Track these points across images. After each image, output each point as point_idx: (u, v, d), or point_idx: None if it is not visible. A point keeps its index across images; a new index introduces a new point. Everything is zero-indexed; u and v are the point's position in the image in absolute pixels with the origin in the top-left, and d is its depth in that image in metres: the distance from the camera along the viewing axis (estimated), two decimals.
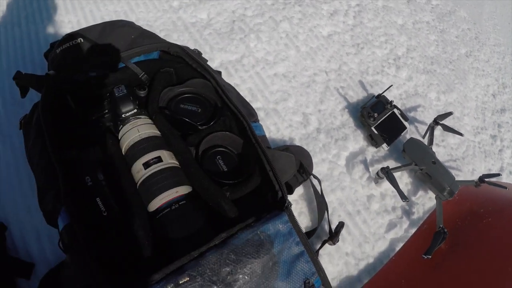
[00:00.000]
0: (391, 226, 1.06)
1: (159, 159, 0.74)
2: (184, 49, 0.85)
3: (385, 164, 1.11)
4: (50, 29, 1.19)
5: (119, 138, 0.78)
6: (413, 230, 1.07)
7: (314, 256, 0.73)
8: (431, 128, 1.17)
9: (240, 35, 1.15)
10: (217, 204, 0.72)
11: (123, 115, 0.78)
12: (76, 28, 1.22)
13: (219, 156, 0.81)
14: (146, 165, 0.73)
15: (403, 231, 1.07)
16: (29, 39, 1.16)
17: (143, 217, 0.69)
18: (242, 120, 0.78)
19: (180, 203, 0.71)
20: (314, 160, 1.02)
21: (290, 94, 1.09)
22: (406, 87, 1.26)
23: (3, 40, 1.17)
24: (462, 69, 1.41)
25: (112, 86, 0.82)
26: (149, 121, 0.80)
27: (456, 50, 1.48)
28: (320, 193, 0.90)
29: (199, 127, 0.78)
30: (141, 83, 0.85)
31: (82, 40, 0.85)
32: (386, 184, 1.08)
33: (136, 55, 0.84)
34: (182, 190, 0.73)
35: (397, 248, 1.04)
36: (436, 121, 1.17)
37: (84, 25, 1.20)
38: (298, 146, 0.97)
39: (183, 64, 0.85)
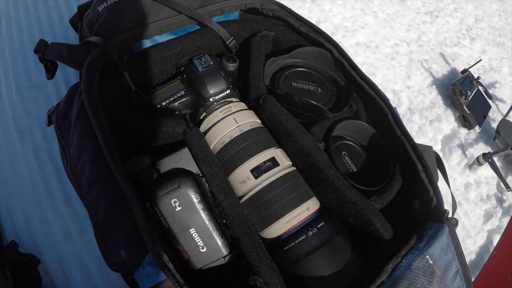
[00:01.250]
0: (487, 216, 0.80)
1: (274, 163, 0.43)
2: (284, 6, 0.51)
3: (477, 148, 0.84)
4: None
5: (203, 131, 0.45)
6: (506, 219, 0.82)
7: (467, 272, 0.45)
8: None
9: None
10: (365, 223, 0.42)
11: (211, 99, 0.46)
12: None
13: (344, 152, 0.50)
14: (257, 172, 0.42)
15: (498, 221, 0.81)
16: (46, 5, 0.78)
17: (266, 253, 0.38)
18: (382, 104, 0.47)
19: (318, 226, 0.41)
20: None
21: (376, 67, 0.78)
22: (482, 61, 0.98)
23: (12, 8, 0.79)
24: None
25: (188, 56, 0.49)
26: (244, 105, 0.47)
27: None
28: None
29: (329, 115, 0.46)
30: (228, 51, 0.51)
31: None
32: (480, 171, 0.81)
33: (218, 13, 0.50)
34: (313, 205, 0.43)
35: (495, 241, 0.79)
36: None
37: None
38: None
39: (283, 27, 0.52)
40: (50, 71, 0.51)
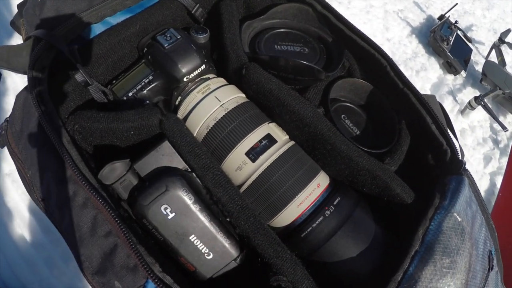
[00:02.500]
0: (487, 159, 0.76)
1: (271, 140, 0.36)
2: None
3: (465, 92, 0.80)
4: None
5: (182, 118, 0.38)
6: (504, 160, 0.79)
7: (490, 221, 0.41)
8: (496, 48, 0.86)
9: None
10: (383, 189, 0.36)
11: (185, 78, 0.38)
12: None
13: (343, 115, 0.43)
14: (254, 153, 0.35)
15: (498, 162, 0.78)
16: None
17: (284, 247, 0.32)
18: (378, 57, 0.40)
19: (335, 203, 0.34)
20: None
21: (353, 22, 0.71)
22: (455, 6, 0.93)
23: None
24: None
25: (150, 34, 0.40)
26: (223, 81, 0.40)
27: None
28: None
29: (323, 76, 0.38)
30: (195, 22, 0.43)
31: None
32: (473, 115, 0.78)
33: None
34: (323, 180, 0.36)
35: (498, 183, 0.76)
36: (501, 40, 0.85)
37: None
38: None
39: None
40: None
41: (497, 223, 0.72)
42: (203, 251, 0.32)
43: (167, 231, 0.31)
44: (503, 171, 0.76)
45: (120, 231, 0.28)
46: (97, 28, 0.40)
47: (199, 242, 0.31)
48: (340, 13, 0.42)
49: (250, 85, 0.37)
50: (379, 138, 0.42)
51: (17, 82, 0.60)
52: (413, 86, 0.41)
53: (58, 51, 0.37)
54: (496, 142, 0.80)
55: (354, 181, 0.37)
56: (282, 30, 0.42)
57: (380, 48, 0.41)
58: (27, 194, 0.53)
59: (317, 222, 0.33)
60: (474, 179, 0.71)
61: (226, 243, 0.32)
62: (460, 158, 0.40)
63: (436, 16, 0.83)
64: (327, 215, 0.33)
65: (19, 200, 0.51)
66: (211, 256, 0.32)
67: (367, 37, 0.41)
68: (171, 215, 0.31)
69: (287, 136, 0.38)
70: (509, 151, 0.79)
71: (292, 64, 0.37)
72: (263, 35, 0.41)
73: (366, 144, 0.42)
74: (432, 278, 0.31)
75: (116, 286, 0.29)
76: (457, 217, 0.35)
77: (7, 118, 0.40)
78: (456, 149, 0.40)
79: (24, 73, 0.42)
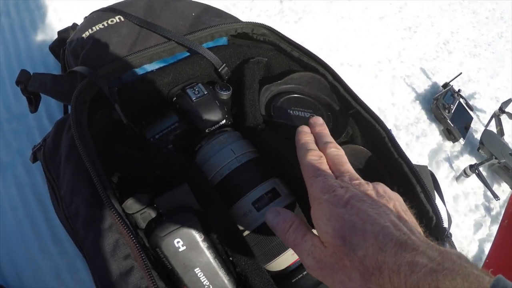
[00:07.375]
0: (477, 226, 0.82)
1: (275, 193, 0.42)
2: (275, 31, 0.51)
3: (462, 159, 0.86)
4: (50, 17, 0.79)
5: (200, 163, 0.44)
6: (494, 227, 0.84)
7: None
8: (496, 117, 0.93)
9: (293, 18, 0.82)
10: None
11: (206, 130, 0.44)
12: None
13: None
14: (259, 204, 0.41)
15: (488, 229, 0.83)
16: (23, 31, 0.75)
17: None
18: (378, 128, 0.47)
19: None
20: None
21: (361, 86, 0.80)
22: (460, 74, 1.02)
23: None
24: (500, 51, 1.20)
25: (180, 85, 0.47)
26: (239, 135, 0.47)
27: (490, 32, 1.24)
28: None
29: None
30: (219, 79, 0.50)
31: (122, 19, 0.49)
32: (467, 182, 0.84)
33: (209, 38, 0.49)
34: None
35: (486, 249, 0.81)
36: (501, 110, 0.93)
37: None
38: None
39: (275, 52, 0.51)
40: (34, 104, 0.49)
41: None
42: (204, 283, 0.37)
43: (176, 261, 0.36)
44: (492, 238, 0.81)
45: (139, 256, 0.33)
46: (135, 73, 0.47)
47: (202, 275, 0.37)
48: (348, 85, 0.49)
49: (261, 143, 0.44)
50: None
51: (51, 103, 0.67)
52: (406, 157, 0.47)
53: (99, 88, 0.44)
54: (488, 209, 0.85)
55: None
56: (296, 95, 0.49)
57: (381, 121, 0.48)
58: (42, 205, 0.59)
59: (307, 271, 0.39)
60: (464, 244, 0.75)
61: (225, 279, 0.37)
62: (445, 226, 0.45)
63: (441, 83, 0.91)
64: None
65: (37, 210, 0.57)
66: None
67: (371, 110, 0.48)
68: (182, 248, 0.36)
69: (290, 191, 0.44)
70: (500, 219, 0.84)
71: None
72: (278, 98, 0.48)
73: None
74: None
75: None
76: None
77: (44, 138, 0.47)
78: (441, 217, 0.45)
79: (61, 101, 0.49)
